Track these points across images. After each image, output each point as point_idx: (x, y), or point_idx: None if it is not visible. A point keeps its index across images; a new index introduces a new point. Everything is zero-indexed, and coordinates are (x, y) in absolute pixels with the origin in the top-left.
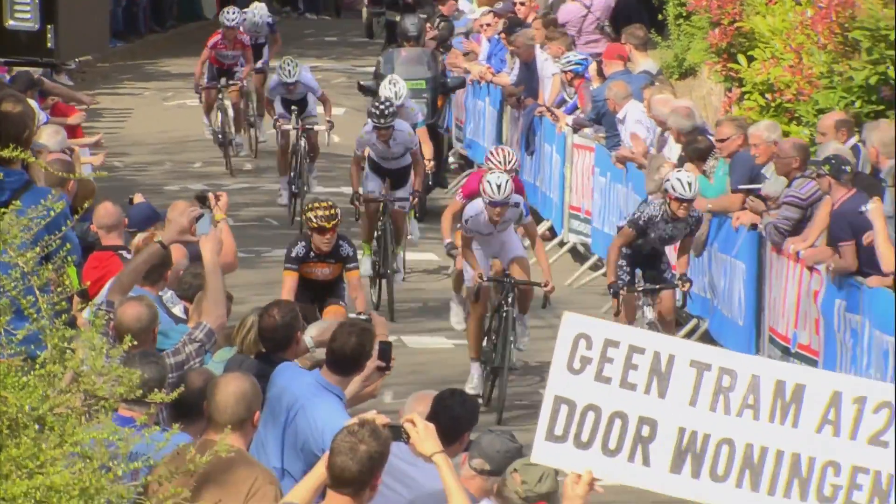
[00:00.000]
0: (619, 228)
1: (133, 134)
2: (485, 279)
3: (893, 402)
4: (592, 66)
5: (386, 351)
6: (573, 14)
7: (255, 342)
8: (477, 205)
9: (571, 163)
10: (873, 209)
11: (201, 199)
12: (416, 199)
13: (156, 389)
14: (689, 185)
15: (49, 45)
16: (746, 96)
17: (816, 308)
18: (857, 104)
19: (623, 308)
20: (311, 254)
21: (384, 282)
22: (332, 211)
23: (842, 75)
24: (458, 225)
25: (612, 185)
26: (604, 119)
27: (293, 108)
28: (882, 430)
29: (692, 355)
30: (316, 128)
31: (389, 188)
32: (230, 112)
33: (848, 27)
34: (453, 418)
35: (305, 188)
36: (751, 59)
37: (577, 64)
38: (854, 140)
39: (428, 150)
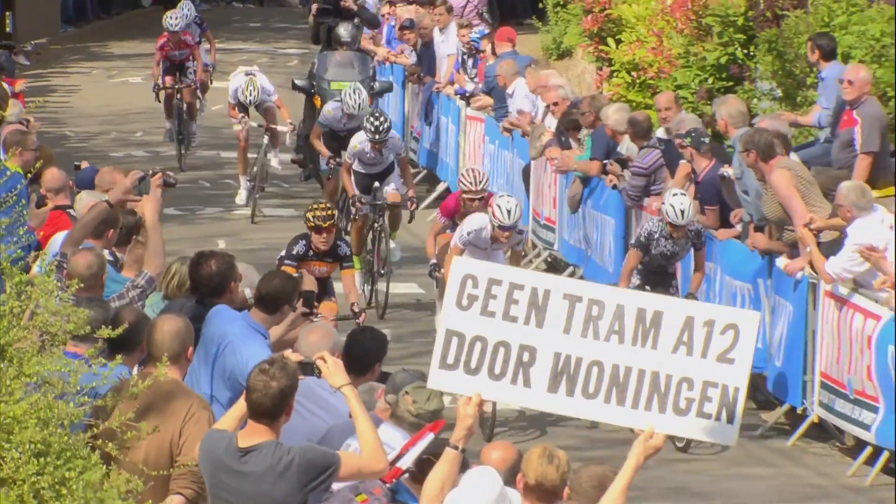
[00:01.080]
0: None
1: (81, 107)
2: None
3: (738, 325)
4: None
5: (309, 299)
6: (457, 4)
7: (178, 287)
8: (480, 220)
9: (465, 132)
10: (778, 174)
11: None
12: (414, 205)
13: (102, 327)
14: (682, 212)
15: (8, 29)
16: (615, 74)
17: None
18: (710, 81)
19: None
20: (311, 252)
21: (378, 285)
22: (329, 212)
23: (696, 56)
24: (442, 224)
25: (500, 152)
26: (493, 93)
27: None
28: (728, 348)
29: (565, 289)
30: (279, 128)
31: (377, 191)
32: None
33: (702, 14)
34: (364, 351)
35: (262, 186)
36: (618, 42)
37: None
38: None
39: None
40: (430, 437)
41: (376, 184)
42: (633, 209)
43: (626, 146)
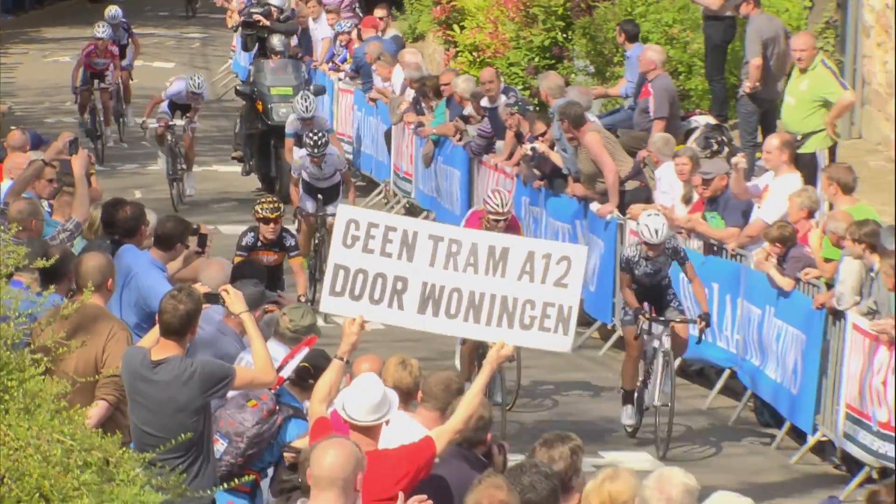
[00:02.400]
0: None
1: (21, 82)
2: None
3: (570, 256)
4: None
5: (203, 238)
6: (334, 1)
7: (90, 230)
8: None
9: (338, 102)
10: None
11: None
12: None
13: (38, 260)
14: (656, 231)
15: None
16: (459, 54)
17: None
18: (536, 59)
19: (627, 336)
20: (259, 243)
21: (319, 285)
22: (276, 204)
23: (525, 39)
24: None
25: (366, 118)
26: (361, 69)
27: (177, 111)
28: (563, 276)
29: (430, 231)
30: (194, 125)
31: (322, 204)
32: (100, 108)
33: (529, 5)
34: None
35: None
36: (462, 28)
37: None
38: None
39: (340, 150)
40: (305, 350)
41: (320, 196)
42: (475, 161)
43: (469, 110)
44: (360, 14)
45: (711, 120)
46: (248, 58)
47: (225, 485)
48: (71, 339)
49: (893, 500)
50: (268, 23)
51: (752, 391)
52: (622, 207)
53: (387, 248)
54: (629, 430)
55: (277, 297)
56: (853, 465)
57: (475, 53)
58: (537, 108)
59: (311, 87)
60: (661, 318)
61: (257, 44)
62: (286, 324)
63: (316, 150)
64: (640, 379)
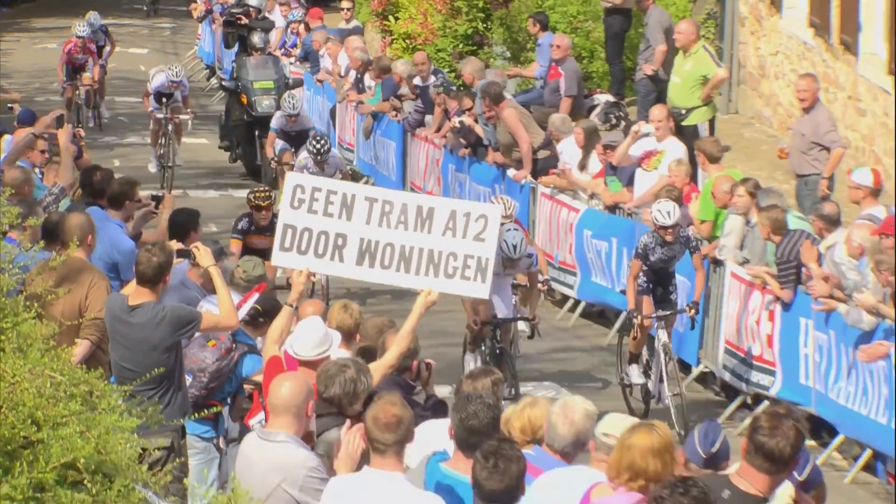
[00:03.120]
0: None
1: (15, 66)
2: (478, 324)
3: (487, 215)
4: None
5: (157, 199)
6: None
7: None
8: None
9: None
10: (507, 112)
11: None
12: None
13: (30, 219)
14: (668, 213)
15: None
16: (394, 42)
17: (437, 169)
18: (460, 46)
19: (639, 331)
20: (252, 227)
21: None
22: (267, 193)
23: (451, 28)
24: None
25: (315, 97)
26: (310, 56)
27: (163, 100)
28: (481, 231)
29: (366, 194)
30: (182, 117)
31: None
32: (82, 100)
33: None
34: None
35: (172, 158)
36: (396, 19)
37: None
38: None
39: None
40: (256, 295)
41: None
42: (409, 134)
43: (405, 90)
44: (306, 6)
45: (611, 98)
46: (211, 43)
47: (195, 415)
48: (58, 288)
49: (769, 424)
50: (247, 22)
51: None
52: (534, 173)
53: (329, 209)
54: (639, 389)
55: (154, 212)
56: (731, 392)
57: (408, 41)
58: (461, 88)
59: (290, 81)
60: (654, 315)
61: (238, 41)
62: (240, 274)
63: (319, 157)
64: (643, 370)
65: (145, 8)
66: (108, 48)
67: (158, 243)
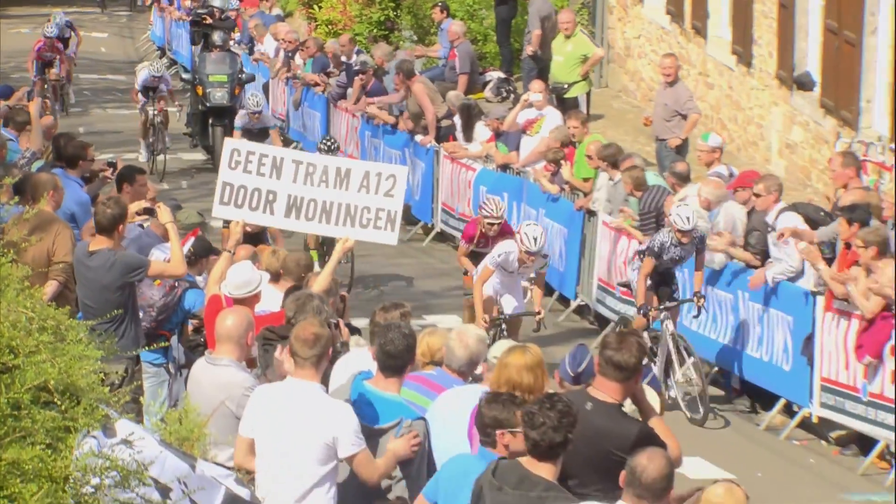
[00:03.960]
0: (639, 255)
1: None
2: (487, 321)
3: (396, 174)
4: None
5: (112, 164)
6: None
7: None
8: (509, 245)
9: None
10: (416, 86)
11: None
12: None
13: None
14: (688, 218)
15: None
16: (318, 27)
17: (356, 135)
18: (375, 31)
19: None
20: None
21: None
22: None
23: (366, 16)
24: (465, 247)
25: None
26: (244, 39)
27: (150, 93)
28: (390, 188)
29: (293, 157)
30: (170, 109)
31: None
32: (50, 93)
33: None
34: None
35: (161, 146)
36: (320, 8)
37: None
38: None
39: (279, 142)
40: (192, 239)
41: None
42: (332, 105)
43: (331, 67)
44: None
45: (502, 75)
46: (161, 28)
47: (148, 347)
48: (31, 237)
49: (616, 341)
50: (211, 21)
51: None
52: (438, 139)
53: (261, 170)
54: None
55: (108, 178)
56: (602, 321)
57: (330, 26)
58: (375, 67)
59: (244, 76)
60: (662, 307)
61: (202, 38)
62: (172, 220)
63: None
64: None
65: (102, 7)
66: (74, 40)
67: (113, 197)
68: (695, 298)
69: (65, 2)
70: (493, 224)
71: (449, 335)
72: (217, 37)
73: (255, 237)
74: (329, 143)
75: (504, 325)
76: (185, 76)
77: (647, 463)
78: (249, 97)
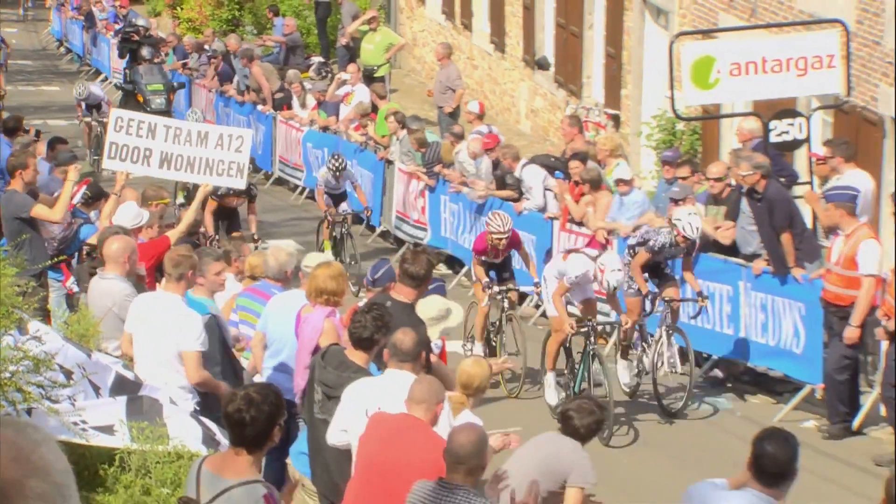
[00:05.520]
0: (631, 248)
1: None
2: (574, 328)
3: (243, 136)
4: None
5: (38, 132)
6: None
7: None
8: (583, 265)
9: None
10: (255, 70)
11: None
12: (370, 211)
13: None
14: (697, 228)
15: None
16: (181, 24)
17: (211, 106)
18: (224, 27)
19: (630, 306)
20: (230, 191)
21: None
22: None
23: (217, 15)
24: (478, 260)
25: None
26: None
27: (93, 110)
28: (239, 146)
29: (164, 123)
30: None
31: (335, 204)
32: None
33: None
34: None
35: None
36: (182, 8)
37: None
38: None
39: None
40: (84, 187)
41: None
42: (193, 84)
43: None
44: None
45: (322, 59)
46: (59, 24)
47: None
48: None
49: (412, 256)
50: (138, 38)
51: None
52: (275, 107)
53: (139, 132)
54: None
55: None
56: (400, 243)
57: (189, 23)
58: (224, 53)
59: (175, 84)
60: (665, 300)
61: (129, 53)
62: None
63: (337, 172)
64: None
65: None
66: (4, 50)
67: (19, 152)
68: (698, 299)
69: None
70: (500, 238)
71: (265, 253)
72: (145, 51)
73: (232, 214)
74: (338, 164)
75: (593, 335)
76: (123, 85)
77: (402, 336)
78: (190, 113)
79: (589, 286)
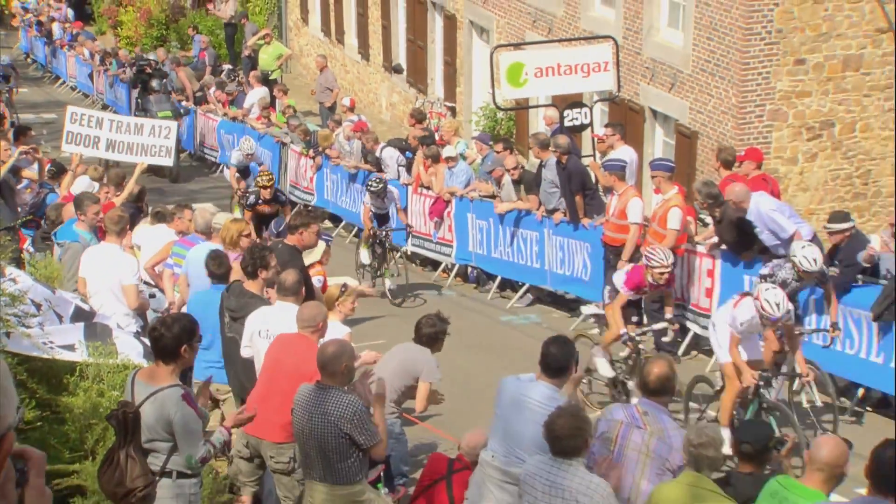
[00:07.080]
0: (762, 278)
1: None
2: (758, 378)
3: (171, 126)
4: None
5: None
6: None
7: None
8: (749, 309)
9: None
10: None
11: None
12: (412, 228)
13: None
14: (815, 260)
15: None
16: (122, 41)
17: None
18: (155, 43)
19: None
20: (259, 200)
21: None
22: (270, 175)
23: (150, 34)
24: (628, 296)
25: (80, 67)
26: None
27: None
28: (167, 134)
29: (109, 117)
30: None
31: (379, 225)
32: None
33: (150, 20)
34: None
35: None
36: (123, 28)
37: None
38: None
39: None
40: (49, 164)
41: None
42: (131, 86)
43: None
44: (71, 20)
45: (231, 67)
46: (25, 40)
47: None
48: None
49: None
50: (150, 70)
51: None
52: (196, 104)
53: (90, 124)
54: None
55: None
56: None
57: (128, 39)
58: (156, 63)
59: (182, 110)
60: (806, 330)
61: (141, 83)
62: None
63: (377, 194)
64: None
65: None
66: (14, 76)
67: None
68: (830, 329)
69: None
70: (663, 273)
71: (195, 211)
72: (155, 83)
73: (268, 219)
74: (376, 186)
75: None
76: (137, 113)
77: (286, 276)
78: (243, 142)
79: (757, 343)
